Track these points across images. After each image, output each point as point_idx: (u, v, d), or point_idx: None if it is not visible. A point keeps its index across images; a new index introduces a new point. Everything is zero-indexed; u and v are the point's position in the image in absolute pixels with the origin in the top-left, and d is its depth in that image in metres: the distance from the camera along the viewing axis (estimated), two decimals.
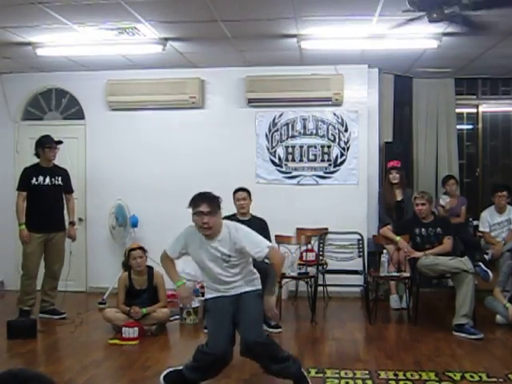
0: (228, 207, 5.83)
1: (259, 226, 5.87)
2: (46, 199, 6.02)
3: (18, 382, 1.51)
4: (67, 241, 6.31)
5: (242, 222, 5.82)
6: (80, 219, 7.42)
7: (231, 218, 5.92)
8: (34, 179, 5.99)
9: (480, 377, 4.13)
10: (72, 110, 7.67)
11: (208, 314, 4.10)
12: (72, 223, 6.31)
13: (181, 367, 3.87)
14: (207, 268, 3.81)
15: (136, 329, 5.17)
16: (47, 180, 6.05)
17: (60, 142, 6.16)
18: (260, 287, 3.92)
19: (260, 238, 3.84)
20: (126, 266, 5.64)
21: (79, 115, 7.63)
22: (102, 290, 6.92)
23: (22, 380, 1.52)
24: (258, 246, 3.74)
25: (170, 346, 5.30)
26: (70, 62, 6.94)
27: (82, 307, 6.60)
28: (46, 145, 6.03)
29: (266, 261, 4.01)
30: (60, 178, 6.17)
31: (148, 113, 7.41)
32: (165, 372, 3.90)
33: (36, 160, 6.13)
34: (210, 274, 3.82)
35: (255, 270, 3.96)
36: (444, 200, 6.97)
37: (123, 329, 5.17)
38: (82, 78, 7.44)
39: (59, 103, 7.72)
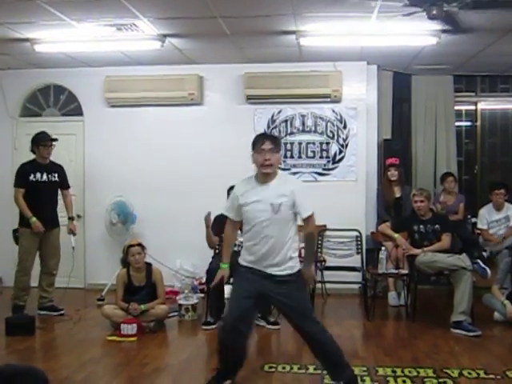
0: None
1: None
2: (43, 196, 6.01)
3: (2, 378, 1.48)
4: (69, 237, 6.31)
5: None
6: (78, 216, 7.40)
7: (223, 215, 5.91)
8: (32, 176, 5.98)
9: (478, 374, 4.14)
10: (70, 106, 7.66)
11: (235, 280, 3.96)
12: (71, 218, 6.31)
13: None
14: (255, 220, 3.67)
15: (134, 325, 5.17)
16: (44, 176, 6.05)
17: (55, 140, 6.14)
18: (298, 268, 3.75)
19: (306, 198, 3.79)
20: (125, 262, 5.64)
21: (77, 112, 7.61)
22: (101, 286, 6.93)
23: (8, 376, 1.48)
24: (307, 203, 3.70)
25: (168, 343, 5.31)
26: (68, 59, 6.92)
27: (81, 304, 6.59)
28: (40, 142, 6.03)
29: (235, 249, 4.14)
30: (56, 175, 6.17)
31: (146, 109, 7.40)
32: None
33: (33, 156, 6.12)
34: (256, 229, 3.67)
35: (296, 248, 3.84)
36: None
37: (122, 325, 5.17)
38: (80, 75, 7.43)
39: (57, 99, 7.70)
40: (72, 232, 6.30)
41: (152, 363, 4.43)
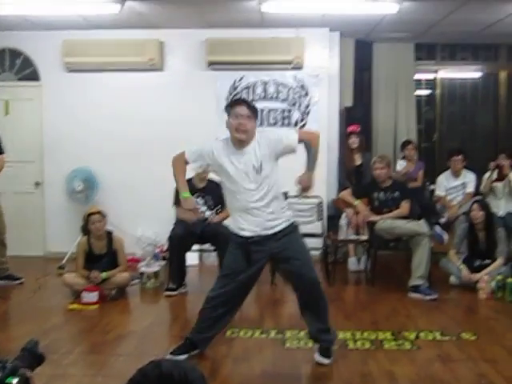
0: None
1: (216, 189, 5.87)
2: None
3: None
4: (25, 206, 6.16)
5: (199, 189, 5.84)
6: (37, 183, 7.30)
7: (188, 184, 5.88)
8: None
9: (434, 335, 4.28)
10: (27, 70, 7.43)
11: (229, 249, 3.81)
12: None
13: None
14: (237, 187, 3.59)
15: (96, 293, 5.16)
16: None
17: None
18: (293, 220, 3.70)
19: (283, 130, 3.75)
20: (85, 230, 5.58)
21: (34, 76, 7.41)
22: (61, 254, 6.84)
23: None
24: (286, 132, 3.70)
25: (130, 310, 5.31)
26: (24, 21, 6.71)
27: (41, 272, 6.51)
28: None
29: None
30: None
31: (106, 75, 7.24)
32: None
33: None
34: (241, 196, 3.59)
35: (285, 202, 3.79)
36: (401, 166, 7.07)
37: (83, 293, 5.15)
38: (37, 38, 7.21)
39: (13, 64, 7.46)
40: None
41: (114, 330, 4.44)
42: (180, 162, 3.77)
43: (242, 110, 3.56)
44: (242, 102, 3.73)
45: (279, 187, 3.69)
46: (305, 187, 3.70)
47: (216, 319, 3.79)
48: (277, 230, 3.61)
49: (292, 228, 3.68)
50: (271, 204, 3.60)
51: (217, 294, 3.75)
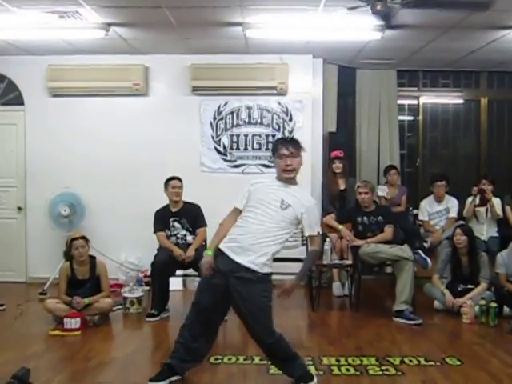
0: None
1: (193, 211, 5.89)
2: None
3: None
4: (7, 231, 6.12)
5: (174, 213, 5.84)
6: (19, 208, 7.24)
7: (163, 210, 5.90)
8: None
9: (418, 361, 4.27)
10: (10, 95, 7.42)
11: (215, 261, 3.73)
12: None
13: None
14: (260, 201, 3.64)
15: (78, 319, 5.09)
16: None
17: None
18: (267, 272, 3.63)
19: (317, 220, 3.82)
20: (68, 255, 5.53)
21: (18, 101, 7.38)
22: (43, 280, 6.77)
23: None
24: (314, 222, 3.74)
25: (113, 336, 5.24)
26: (8, 46, 6.70)
27: (22, 298, 6.42)
28: None
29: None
30: None
31: (91, 99, 7.24)
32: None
33: None
34: (258, 212, 3.63)
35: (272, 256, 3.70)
36: (382, 191, 7.10)
37: (65, 319, 5.08)
38: (21, 63, 7.20)
39: None
40: None
41: (96, 357, 4.37)
42: (229, 220, 3.79)
43: (287, 150, 3.68)
44: (287, 141, 3.84)
45: (280, 241, 3.68)
46: (286, 292, 3.78)
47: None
48: (247, 265, 3.55)
49: (260, 279, 3.60)
50: (262, 239, 3.58)
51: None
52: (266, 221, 3.61)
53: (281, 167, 3.68)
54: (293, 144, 3.74)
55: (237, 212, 3.76)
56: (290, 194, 3.67)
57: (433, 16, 5.43)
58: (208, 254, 3.69)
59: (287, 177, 3.69)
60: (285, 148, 3.69)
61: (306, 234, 3.75)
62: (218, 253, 3.67)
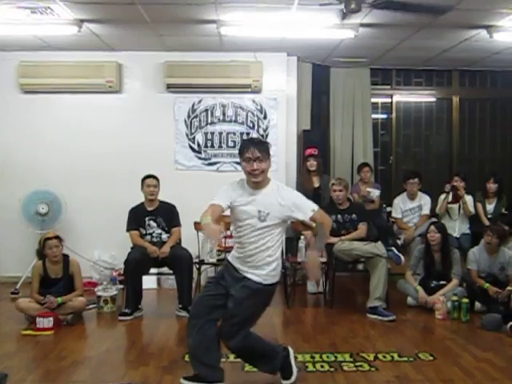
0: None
1: (169, 210, 5.87)
2: None
3: None
4: None
5: (150, 211, 5.81)
6: None
7: (138, 208, 5.87)
8: None
9: (392, 356, 4.30)
10: None
11: (219, 273, 3.77)
12: None
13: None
14: (242, 222, 3.53)
15: (51, 319, 5.03)
16: None
17: None
18: (270, 282, 3.55)
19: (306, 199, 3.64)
20: (41, 254, 5.47)
21: None
22: (15, 279, 6.68)
23: None
24: (303, 206, 3.56)
25: (86, 335, 5.19)
26: None
27: None
28: None
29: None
30: None
31: (63, 96, 7.17)
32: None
33: None
34: (244, 234, 3.54)
35: (278, 262, 3.62)
36: (374, 193, 7.09)
37: (37, 319, 5.02)
38: None
39: None
40: None
41: (70, 356, 4.33)
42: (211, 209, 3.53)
43: (253, 153, 3.48)
44: (252, 143, 3.59)
45: (276, 246, 3.58)
46: (313, 271, 3.59)
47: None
48: (254, 279, 3.53)
49: (260, 288, 3.54)
50: (260, 255, 3.52)
51: None
52: (257, 240, 3.51)
53: (247, 171, 3.52)
54: (260, 147, 3.53)
55: (220, 208, 3.54)
56: (263, 201, 3.52)
57: (405, 15, 5.48)
58: (207, 221, 3.39)
59: (254, 181, 3.52)
60: (250, 152, 3.49)
61: (306, 218, 3.58)
62: (226, 262, 3.69)
